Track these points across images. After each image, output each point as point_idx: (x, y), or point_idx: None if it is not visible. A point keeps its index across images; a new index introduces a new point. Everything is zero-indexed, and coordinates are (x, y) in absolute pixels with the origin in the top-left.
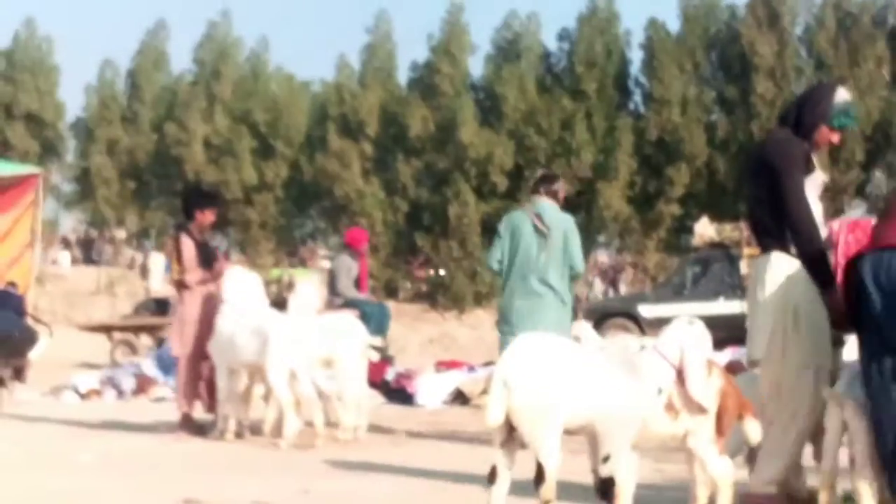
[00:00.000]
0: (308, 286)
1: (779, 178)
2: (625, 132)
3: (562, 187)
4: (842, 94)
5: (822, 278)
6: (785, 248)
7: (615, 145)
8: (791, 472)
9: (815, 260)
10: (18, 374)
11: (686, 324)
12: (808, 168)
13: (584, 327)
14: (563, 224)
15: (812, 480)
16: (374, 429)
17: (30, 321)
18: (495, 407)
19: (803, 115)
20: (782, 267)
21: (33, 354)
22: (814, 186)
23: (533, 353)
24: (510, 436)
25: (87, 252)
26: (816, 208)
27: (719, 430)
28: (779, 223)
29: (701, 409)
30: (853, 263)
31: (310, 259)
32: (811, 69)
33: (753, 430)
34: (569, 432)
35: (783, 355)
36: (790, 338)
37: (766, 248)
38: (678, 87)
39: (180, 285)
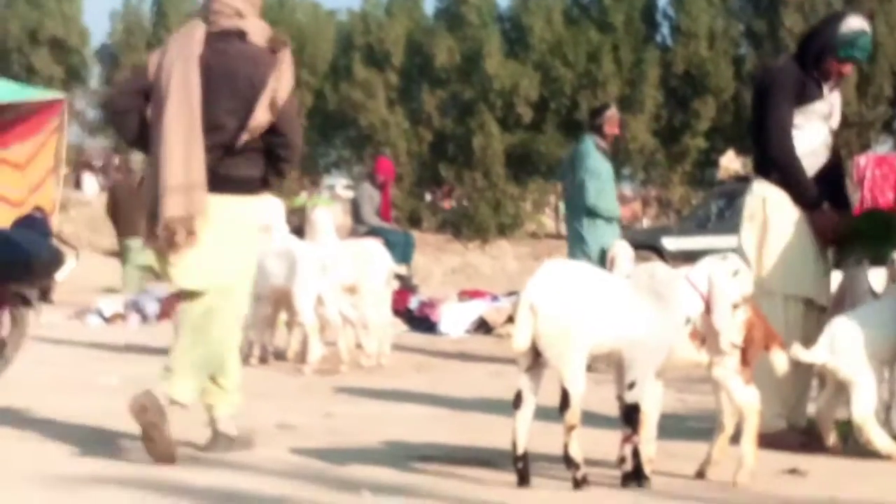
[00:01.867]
0: (322, 212)
1: (765, 106)
2: (651, 65)
3: (606, 119)
4: (850, 24)
5: (806, 201)
6: (766, 175)
7: (642, 78)
8: (786, 403)
9: (795, 184)
10: (45, 295)
11: (719, 258)
12: (808, 96)
13: (623, 246)
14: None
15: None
16: (397, 355)
17: (56, 243)
18: (522, 332)
19: (808, 45)
20: (758, 194)
21: (60, 275)
22: (815, 115)
23: (559, 280)
24: (535, 361)
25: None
26: (818, 135)
27: (745, 360)
28: (762, 150)
29: (723, 342)
30: None
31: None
32: (840, 2)
33: (780, 361)
34: (595, 359)
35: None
36: (759, 265)
37: (757, 174)
38: (706, 19)
39: None
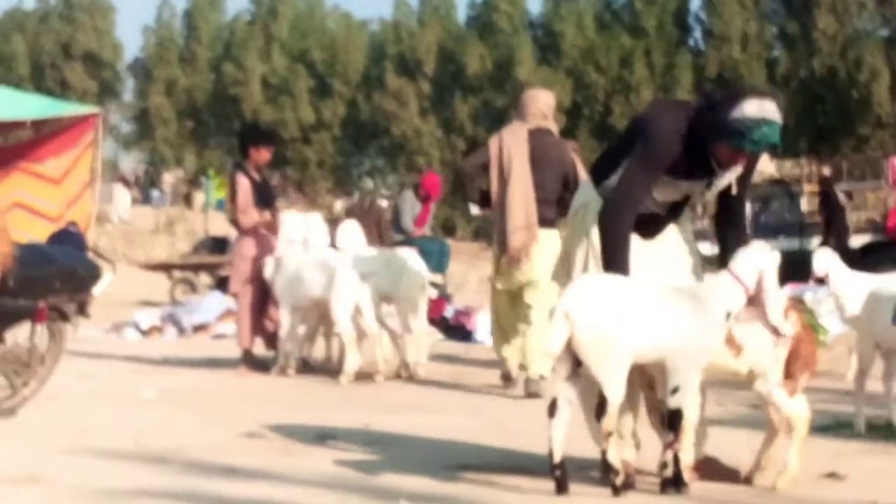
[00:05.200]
0: (351, 222)
1: (630, 158)
2: (684, 69)
3: None
4: (746, 110)
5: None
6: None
7: (674, 82)
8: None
9: (607, 251)
10: (82, 308)
11: (766, 248)
12: (680, 172)
13: None
14: None
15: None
16: (434, 364)
17: (92, 257)
18: (556, 337)
19: (701, 120)
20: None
21: (97, 290)
22: (676, 191)
23: (596, 288)
24: (574, 370)
25: (147, 192)
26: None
27: (788, 374)
28: (597, 182)
29: (777, 335)
30: None
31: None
32: (873, 3)
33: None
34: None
35: None
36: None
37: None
38: (738, 22)
39: (236, 224)
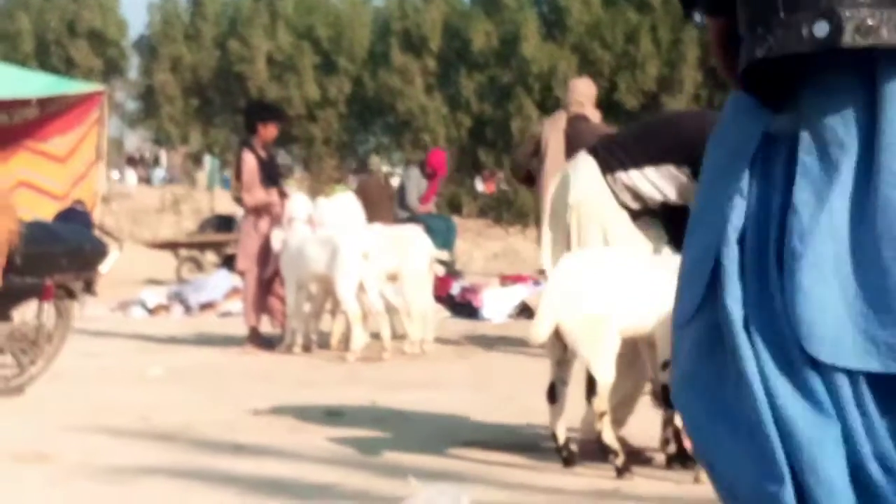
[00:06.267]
0: (347, 198)
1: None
2: (690, 45)
3: None
4: None
5: None
6: None
7: (681, 58)
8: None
9: None
10: (89, 287)
11: None
12: None
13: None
14: None
15: None
16: (440, 342)
17: (99, 234)
18: (541, 323)
19: None
20: None
21: (104, 267)
22: None
23: (582, 268)
24: (565, 352)
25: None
26: None
27: None
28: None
29: None
30: None
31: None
32: None
33: None
34: (627, 340)
35: None
36: None
37: None
38: None
39: (241, 202)
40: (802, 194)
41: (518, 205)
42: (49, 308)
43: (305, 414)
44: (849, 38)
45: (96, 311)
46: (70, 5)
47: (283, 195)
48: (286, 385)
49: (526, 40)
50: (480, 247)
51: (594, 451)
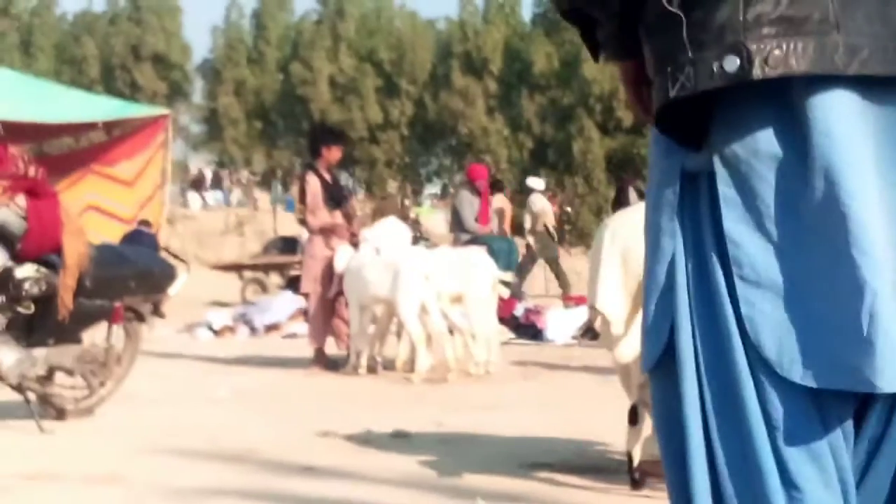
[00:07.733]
0: (391, 222)
1: None
2: None
3: None
4: None
5: None
6: None
7: None
8: None
9: None
10: (157, 309)
11: None
12: None
13: None
14: None
15: None
16: (505, 363)
17: (166, 257)
18: (630, 343)
19: None
20: None
21: (172, 290)
22: None
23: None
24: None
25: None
26: None
27: None
28: None
29: None
30: None
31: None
32: None
33: None
34: None
35: None
36: None
37: None
38: None
39: (306, 224)
40: (733, 224)
41: (580, 225)
42: (118, 330)
43: (372, 435)
44: (758, 70)
45: (163, 333)
46: (134, 30)
47: (348, 217)
48: (352, 407)
49: (587, 61)
50: (543, 267)
51: (660, 473)
